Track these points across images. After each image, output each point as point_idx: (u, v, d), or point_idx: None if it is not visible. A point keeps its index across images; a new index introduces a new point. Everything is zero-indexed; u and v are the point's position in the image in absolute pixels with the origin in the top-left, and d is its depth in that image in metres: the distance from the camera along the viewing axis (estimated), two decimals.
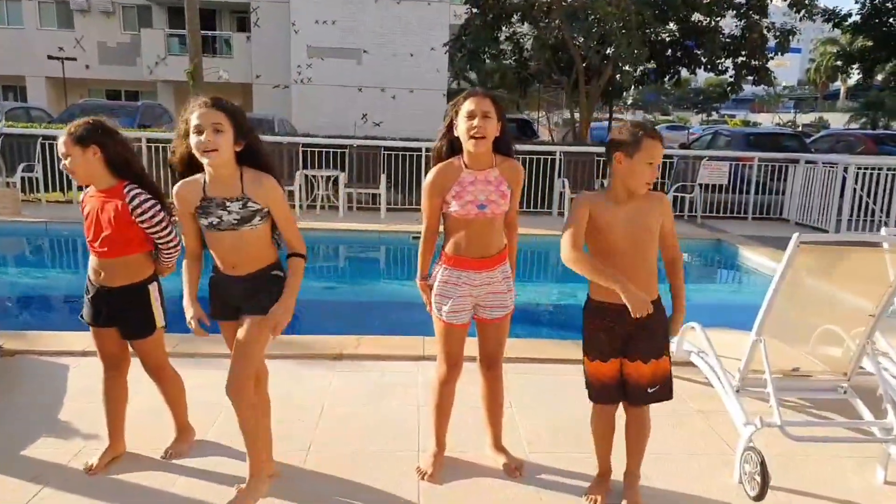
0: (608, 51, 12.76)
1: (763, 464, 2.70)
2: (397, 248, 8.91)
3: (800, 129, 33.38)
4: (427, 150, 10.33)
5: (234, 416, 2.59)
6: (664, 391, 2.64)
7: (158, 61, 25.45)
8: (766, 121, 48.66)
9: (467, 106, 2.62)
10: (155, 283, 2.88)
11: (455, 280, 2.79)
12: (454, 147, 2.78)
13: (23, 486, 2.79)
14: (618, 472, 2.87)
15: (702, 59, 14.19)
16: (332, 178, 10.31)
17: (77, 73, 26.16)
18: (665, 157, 10.80)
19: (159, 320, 2.89)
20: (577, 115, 15.55)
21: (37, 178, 9.95)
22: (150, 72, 25.64)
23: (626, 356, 2.59)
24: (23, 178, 9.84)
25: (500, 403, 3.07)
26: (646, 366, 2.57)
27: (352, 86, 23.59)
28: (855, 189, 9.14)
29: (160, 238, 2.79)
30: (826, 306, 3.03)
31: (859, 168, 9.21)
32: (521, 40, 15.59)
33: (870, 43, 16.25)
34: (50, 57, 24.71)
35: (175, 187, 2.58)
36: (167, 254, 2.85)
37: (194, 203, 2.52)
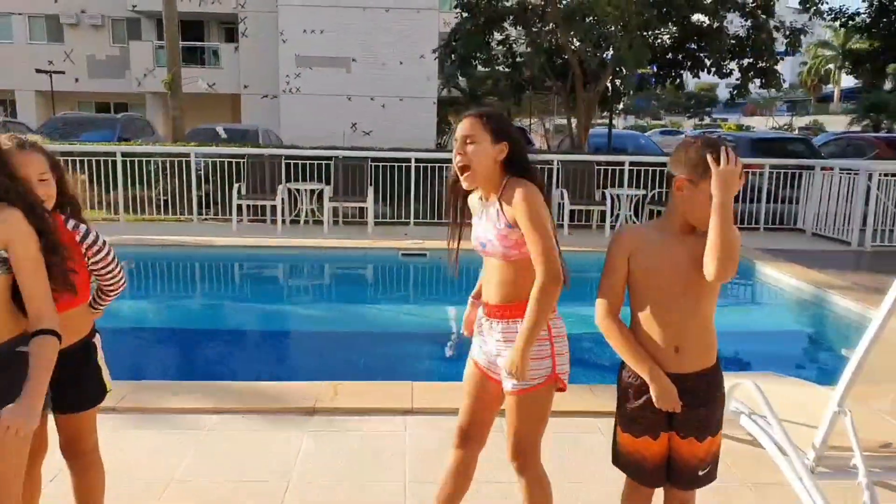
0: (607, 54, 12.15)
1: None
2: (385, 266, 8.22)
3: (796, 132, 32.89)
4: (417, 159, 9.72)
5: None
6: (713, 472, 2.14)
7: (147, 73, 25.14)
8: (760, 124, 48.15)
9: (456, 132, 2.20)
10: (97, 335, 2.30)
11: (479, 316, 2.32)
12: None
13: None
14: None
15: (706, 61, 13.57)
16: (317, 192, 9.64)
17: (66, 86, 25.91)
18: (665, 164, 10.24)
19: (108, 382, 2.29)
20: (573, 122, 14.93)
21: None
22: (139, 84, 25.34)
23: (677, 431, 2.07)
24: None
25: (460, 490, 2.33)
26: (701, 445, 2.06)
27: (341, 95, 23.02)
28: (878, 197, 8.52)
29: (110, 274, 2.23)
30: None
31: (884, 175, 8.57)
32: (514, 45, 14.97)
33: (877, 43, 15.73)
34: (38, 70, 24.44)
35: None
36: (113, 292, 2.30)
37: None
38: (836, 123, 36.91)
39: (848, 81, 45.87)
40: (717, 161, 1.87)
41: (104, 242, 2.19)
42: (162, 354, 5.13)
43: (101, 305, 2.35)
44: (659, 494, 2.21)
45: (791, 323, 6.41)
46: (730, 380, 3.12)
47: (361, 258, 8.27)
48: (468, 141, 2.13)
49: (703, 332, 2.03)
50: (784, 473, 2.57)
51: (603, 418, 3.59)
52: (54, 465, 2.39)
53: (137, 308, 6.18)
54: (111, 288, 2.27)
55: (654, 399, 2.00)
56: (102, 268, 2.20)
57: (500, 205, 2.13)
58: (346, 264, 8.37)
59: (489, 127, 2.12)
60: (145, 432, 3.39)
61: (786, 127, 40.79)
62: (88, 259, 2.17)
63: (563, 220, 9.55)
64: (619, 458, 2.18)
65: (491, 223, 2.15)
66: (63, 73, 25.39)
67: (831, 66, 44.36)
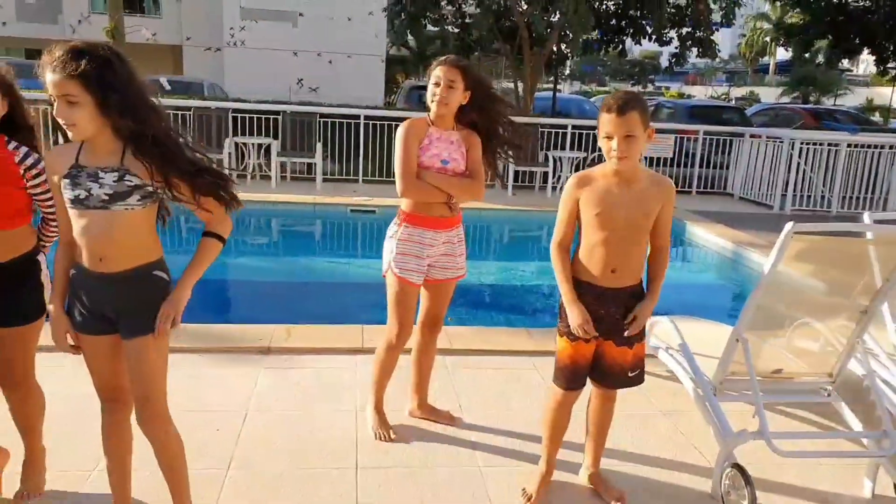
0: (554, 17, 12.34)
1: (751, 485, 2.41)
2: (334, 221, 8.36)
3: (733, 102, 33.95)
4: (366, 117, 9.80)
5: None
6: (641, 375, 2.55)
7: (82, 19, 23.61)
8: (700, 93, 49.42)
9: (436, 73, 2.79)
10: (42, 255, 2.35)
11: (418, 239, 2.85)
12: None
13: None
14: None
15: (647, 28, 13.93)
16: (265, 147, 9.64)
17: None
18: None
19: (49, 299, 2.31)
20: (520, 86, 15.13)
21: None
22: (73, 31, 23.82)
23: (612, 339, 2.44)
24: None
25: (431, 363, 3.23)
26: (630, 350, 2.47)
27: (287, 50, 22.53)
28: (799, 164, 9.10)
29: (49, 201, 2.24)
30: (812, 302, 2.74)
31: (804, 143, 9.16)
32: (464, 5, 15.00)
33: (808, 17, 16.44)
34: None
35: (48, 152, 2.10)
36: (54, 226, 2.32)
37: (62, 171, 1.97)
38: (771, 95, 38.23)
39: (784, 55, 47.28)
40: None
41: (44, 168, 2.20)
42: None
43: (47, 236, 2.39)
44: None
45: (714, 277, 6.93)
46: (653, 321, 3.49)
47: (310, 214, 8.38)
48: (451, 85, 2.78)
49: (637, 257, 2.42)
50: (692, 397, 2.94)
51: (538, 357, 3.94)
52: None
53: None
54: (52, 217, 2.31)
55: (569, 321, 2.40)
56: (41, 192, 2.25)
57: (459, 136, 2.87)
58: (295, 219, 8.46)
59: (467, 78, 2.79)
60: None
61: (724, 96, 41.99)
62: (27, 182, 2.22)
63: (507, 182, 9.82)
64: (557, 365, 2.51)
65: (455, 146, 2.85)
66: None
67: (768, 38, 45.54)
